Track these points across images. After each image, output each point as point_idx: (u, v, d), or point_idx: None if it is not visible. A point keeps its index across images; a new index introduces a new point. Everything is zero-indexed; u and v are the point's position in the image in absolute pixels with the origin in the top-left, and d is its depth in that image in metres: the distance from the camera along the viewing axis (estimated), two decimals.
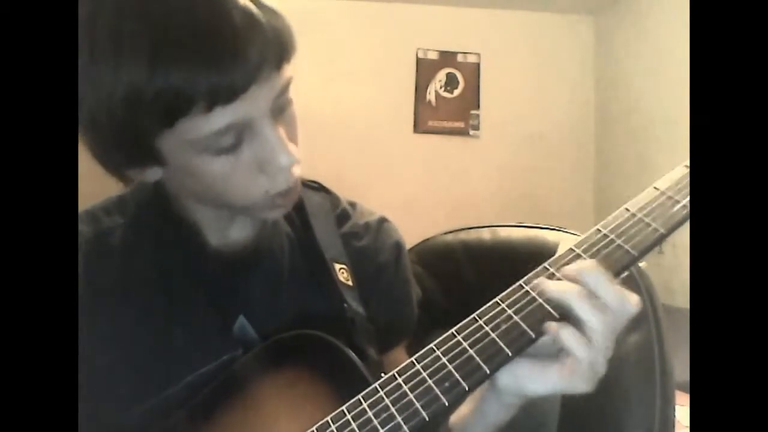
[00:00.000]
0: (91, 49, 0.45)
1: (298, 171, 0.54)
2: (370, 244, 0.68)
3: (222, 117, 0.47)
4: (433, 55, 3.04)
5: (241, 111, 0.47)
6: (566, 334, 0.45)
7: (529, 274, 0.50)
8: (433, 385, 0.46)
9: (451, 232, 0.88)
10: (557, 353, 0.47)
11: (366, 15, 3.01)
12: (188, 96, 0.44)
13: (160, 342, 0.57)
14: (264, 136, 0.50)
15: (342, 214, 0.70)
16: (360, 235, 0.69)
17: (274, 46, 0.47)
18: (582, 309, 0.45)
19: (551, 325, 0.46)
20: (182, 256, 0.60)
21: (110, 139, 0.49)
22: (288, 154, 0.51)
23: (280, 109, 0.52)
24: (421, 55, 3.03)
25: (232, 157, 0.50)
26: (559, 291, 0.47)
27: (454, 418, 0.57)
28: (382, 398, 0.47)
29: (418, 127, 3.02)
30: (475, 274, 0.82)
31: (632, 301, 0.46)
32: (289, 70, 0.51)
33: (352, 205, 0.72)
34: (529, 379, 0.48)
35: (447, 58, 3.04)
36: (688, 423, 1.03)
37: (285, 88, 0.51)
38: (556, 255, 0.51)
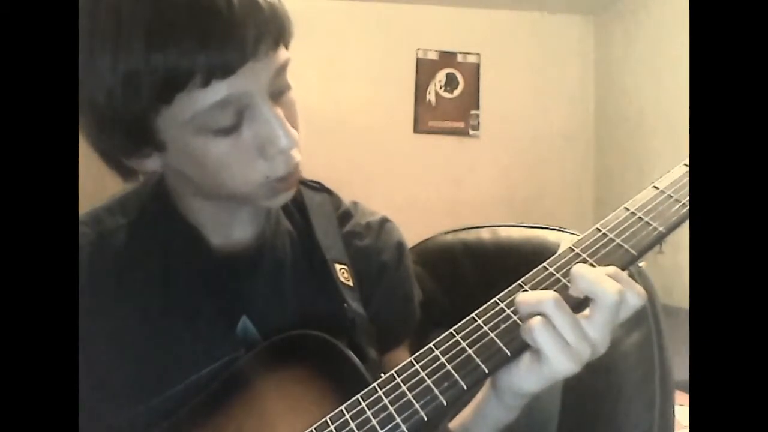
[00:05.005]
0: (92, 31, 0.45)
1: (298, 156, 0.54)
2: (371, 244, 0.68)
3: (219, 90, 0.47)
4: (433, 55, 3.04)
5: (238, 85, 0.47)
6: (539, 334, 0.45)
7: (528, 274, 0.50)
8: (431, 384, 0.46)
9: (451, 232, 0.88)
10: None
11: (366, 15, 3.01)
12: (185, 72, 0.45)
13: (162, 342, 0.57)
14: (263, 117, 0.50)
15: (344, 215, 0.70)
16: (362, 235, 0.69)
17: (271, 25, 0.48)
18: (556, 318, 0.45)
19: (526, 325, 0.46)
20: (185, 257, 0.60)
21: (109, 122, 0.49)
22: (288, 136, 0.51)
23: (279, 92, 0.52)
24: (421, 55, 3.04)
25: (231, 140, 0.50)
26: (531, 302, 0.46)
27: (457, 420, 0.57)
28: (381, 398, 0.47)
29: (418, 127, 3.02)
30: (475, 274, 0.82)
31: (639, 292, 0.46)
32: (286, 53, 0.51)
33: (354, 205, 0.72)
34: (519, 377, 0.48)
35: (447, 58, 3.04)
36: (687, 423, 1.03)
37: (282, 69, 0.51)
38: (556, 255, 0.51)
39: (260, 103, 0.50)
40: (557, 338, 0.45)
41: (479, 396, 0.55)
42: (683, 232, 0.48)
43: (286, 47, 0.52)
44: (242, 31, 0.46)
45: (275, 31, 0.49)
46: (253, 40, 0.46)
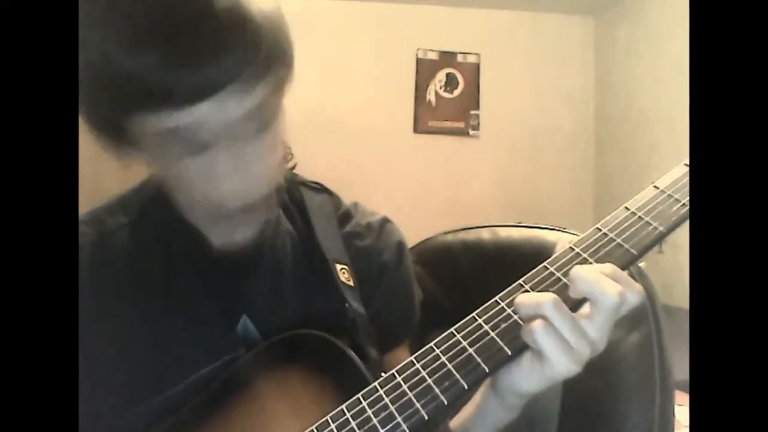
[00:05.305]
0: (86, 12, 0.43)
1: (252, 196, 0.53)
2: (372, 244, 0.68)
3: (178, 117, 0.46)
4: (433, 55, 3.04)
5: (197, 116, 0.46)
6: (540, 336, 0.45)
7: (529, 274, 0.50)
8: (432, 384, 0.46)
9: (451, 232, 0.88)
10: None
11: (366, 15, 3.01)
12: (142, 87, 0.43)
13: (162, 341, 0.58)
14: (217, 153, 0.49)
15: (344, 215, 0.70)
16: (362, 236, 0.69)
17: (250, 62, 0.45)
18: (555, 320, 0.45)
19: (527, 328, 0.46)
20: (185, 256, 0.60)
21: (95, 119, 0.49)
22: (235, 179, 0.49)
23: (257, 126, 0.50)
24: (421, 55, 3.03)
25: (199, 160, 0.49)
26: (530, 304, 0.47)
27: (457, 420, 0.57)
28: (382, 397, 0.47)
29: (418, 127, 3.02)
30: (475, 274, 0.82)
31: (637, 290, 0.46)
32: (271, 89, 0.49)
33: (355, 205, 0.72)
34: (520, 377, 0.48)
35: (447, 58, 3.04)
36: (687, 423, 1.03)
37: (263, 106, 0.49)
38: (556, 254, 0.51)
39: (216, 141, 0.48)
40: (559, 340, 0.45)
41: (479, 396, 0.55)
42: (683, 232, 0.48)
43: (282, 83, 0.51)
44: (206, 65, 0.43)
45: (256, 69, 0.46)
46: (217, 77, 0.44)
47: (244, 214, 0.55)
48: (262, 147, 0.51)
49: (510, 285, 0.50)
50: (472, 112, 3.03)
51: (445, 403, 0.45)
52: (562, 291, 0.47)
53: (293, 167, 0.72)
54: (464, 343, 0.47)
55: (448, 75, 3.04)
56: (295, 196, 0.68)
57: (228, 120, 0.47)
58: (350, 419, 0.47)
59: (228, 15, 0.43)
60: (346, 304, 0.62)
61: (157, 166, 0.53)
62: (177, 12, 0.42)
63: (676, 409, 0.68)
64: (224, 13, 0.43)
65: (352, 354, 0.55)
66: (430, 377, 0.46)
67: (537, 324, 0.45)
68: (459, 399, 0.47)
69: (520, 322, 0.47)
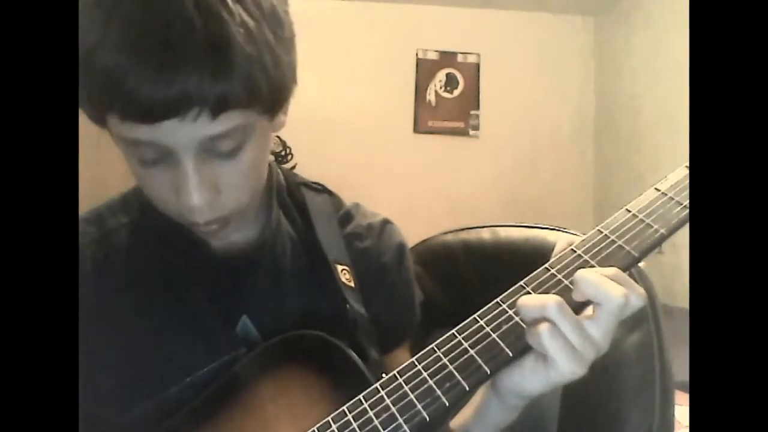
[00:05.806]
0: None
1: (219, 212, 0.52)
2: (372, 246, 0.68)
3: (136, 130, 0.46)
4: (433, 56, 3.04)
5: (156, 135, 0.46)
6: (546, 339, 0.45)
7: (530, 275, 0.50)
8: (434, 385, 0.46)
9: (451, 232, 0.88)
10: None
11: (366, 15, 3.01)
12: (112, 90, 0.43)
13: (162, 341, 0.58)
14: (182, 169, 0.48)
15: (345, 216, 0.70)
16: (363, 237, 0.69)
17: (218, 87, 0.44)
18: (560, 323, 0.45)
19: (532, 330, 0.46)
20: (185, 256, 0.61)
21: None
22: (199, 196, 0.49)
23: (218, 153, 0.49)
24: (421, 56, 3.04)
25: (153, 171, 0.50)
26: (534, 306, 0.47)
27: (457, 420, 0.57)
28: (383, 398, 0.47)
29: (418, 127, 3.02)
30: (475, 274, 0.82)
31: (640, 293, 0.46)
32: (242, 118, 0.47)
33: (356, 206, 0.72)
34: (523, 378, 0.48)
35: (447, 58, 3.04)
36: (687, 423, 1.03)
37: (237, 131, 0.48)
38: (557, 255, 0.51)
39: (182, 158, 0.48)
40: (565, 343, 0.45)
41: (479, 397, 0.55)
42: (683, 233, 0.48)
43: (270, 112, 0.50)
44: (163, 85, 0.42)
45: (219, 98, 0.44)
46: (174, 100, 0.43)
47: (216, 224, 0.54)
48: (237, 164, 0.51)
49: (510, 285, 0.50)
50: (472, 112, 3.03)
51: (447, 404, 0.46)
52: (564, 293, 0.47)
53: (293, 167, 0.72)
54: (465, 345, 0.47)
55: (448, 75, 3.04)
56: (296, 196, 0.68)
57: (193, 140, 0.47)
58: (352, 420, 0.47)
59: (202, 34, 0.42)
60: (347, 305, 0.62)
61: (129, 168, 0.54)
62: (154, 21, 0.42)
63: (676, 409, 0.68)
64: (198, 33, 0.42)
65: (353, 354, 0.55)
66: (431, 378, 0.47)
67: (542, 327, 0.45)
68: (460, 400, 0.47)
69: (522, 324, 0.47)
